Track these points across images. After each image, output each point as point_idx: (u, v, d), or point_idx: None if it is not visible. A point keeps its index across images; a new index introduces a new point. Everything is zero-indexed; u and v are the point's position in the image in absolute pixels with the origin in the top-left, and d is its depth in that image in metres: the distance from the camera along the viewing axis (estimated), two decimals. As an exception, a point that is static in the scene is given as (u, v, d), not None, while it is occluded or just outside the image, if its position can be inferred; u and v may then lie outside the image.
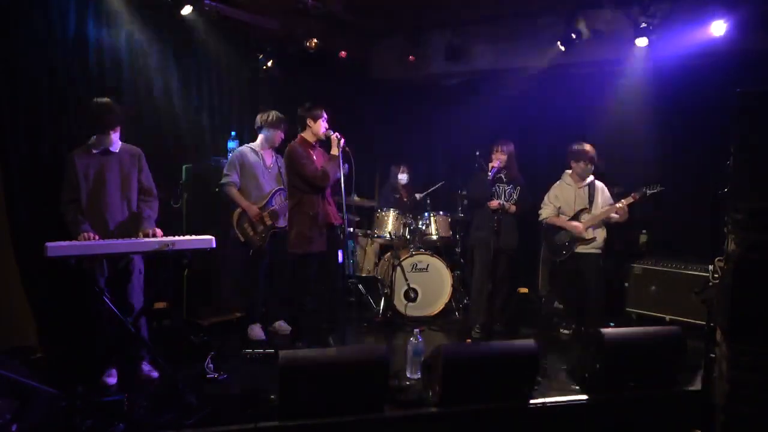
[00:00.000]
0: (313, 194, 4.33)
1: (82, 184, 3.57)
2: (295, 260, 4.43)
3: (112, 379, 3.63)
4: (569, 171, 4.97)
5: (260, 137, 4.79)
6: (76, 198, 3.57)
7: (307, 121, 4.41)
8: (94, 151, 3.62)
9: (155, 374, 3.74)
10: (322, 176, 4.27)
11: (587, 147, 4.85)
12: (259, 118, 4.78)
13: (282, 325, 4.93)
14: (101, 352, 3.68)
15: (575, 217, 4.86)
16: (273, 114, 4.76)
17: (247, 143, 4.88)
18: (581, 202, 4.88)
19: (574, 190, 4.92)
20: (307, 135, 4.44)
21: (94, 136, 3.62)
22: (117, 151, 3.68)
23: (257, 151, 4.76)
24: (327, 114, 4.46)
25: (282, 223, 4.70)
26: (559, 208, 4.94)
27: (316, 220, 4.33)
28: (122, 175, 3.68)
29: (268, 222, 4.62)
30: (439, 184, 5.97)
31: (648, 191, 4.63)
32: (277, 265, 4.87)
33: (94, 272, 3.52)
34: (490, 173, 4.85)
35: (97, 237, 3.43)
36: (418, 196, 6.00)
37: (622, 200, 4.71)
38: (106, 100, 3.63)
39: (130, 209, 3.71)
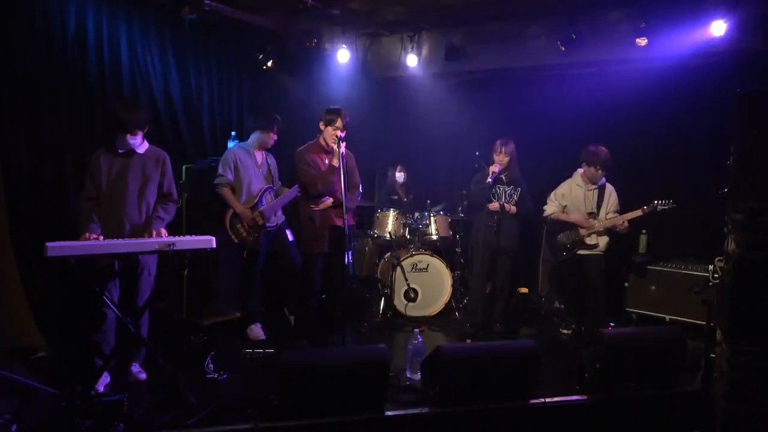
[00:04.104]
0: (311, 197, 4.34)
1: (104, 183, 3.55)
2: (303, 259, 4.48)
3: (100, 388, 3.50)
4: (581, 171, 4.84)
5: (252, 137, 4.79)
6: (95, 196, 3.56)
7: (320, 125, 4.41)
8: (120, 151, 3.59)
9: (143, 376, 3.71)
10: (311, 184, 4.30)
11: (601, 150, 4.67)
12: (252, 120, 4.79)
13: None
14: (97, 357, 3.57)
15: None
16: (265, 117, 4.74)
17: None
18: (589, 205, 4.78)
19: (583, 192, 4.82)
20: (320, 139, 4.44)
21: (116, 137, 3.56)
22: (142, 152, 3.66)
23: (249, 150, 4.76)
24: (348, 120, 4.37)
25: (273, 221, 4.71)
26: (565, 206, 4.87)
27: (314, 223, 4.36)
28: (143, 177, 3.65)
29: (260, 222, 4.62)
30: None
31: (659, 206, 4.51)
32: (268, 265, 4.87)
33: (104, 273, 3.49)
34: (490, 178, 4.83)
35: (101, 239, 3.42)
36: (417, 214, 6.00)
37: (631, 213, 4.62)
38: (132, 101, 3.62)
39: (147, 211, 3.68)
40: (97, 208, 3.55)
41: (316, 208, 4.38)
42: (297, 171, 4.42)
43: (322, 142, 4.42)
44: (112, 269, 3.54)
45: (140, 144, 3.63)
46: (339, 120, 4.32)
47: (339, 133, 4.32)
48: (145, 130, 3.63)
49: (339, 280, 4.50)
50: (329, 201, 4.41)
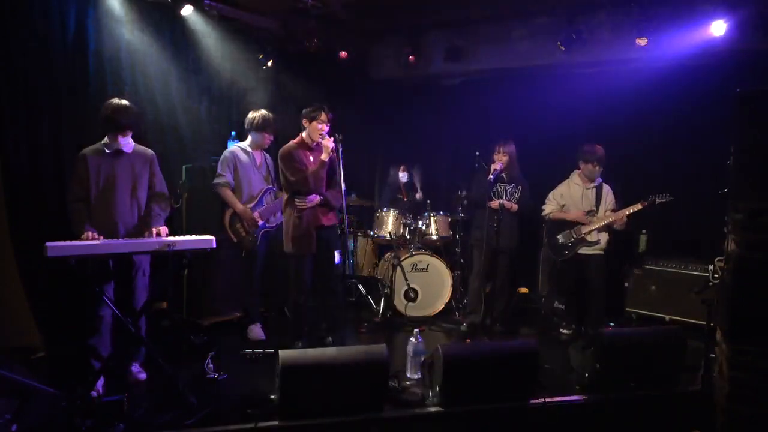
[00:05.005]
0: (298, 196, 4.34)
1: (93, 183, 3.55)
2: (290, 260, 4.44)
3: (94, 393, 3.46)
4: (578, 171, 4.93)
5: (249, 138, 4.78)
6: (85, 197, 3.56)
7: (303, 122, 4.40)
8: (107, 152, 3.60)
9: (143, 376, 3.72)
10: (302, 181, 4.27)
11: (596, 147, 4.79)
12: (247, 120, 4.75)
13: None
14: (94, 360, 3.56)
15: None
16: (259, 117, 4.70)
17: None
18: (588, 203, 4.85)
19: (581, 190, 4.89)
20: (305, 136, 4.43)
21: (107, 137, 3.58)
22: (130, 152, 3.67)
23: (248, 150, 4.75)
24: (331, 115, 4.39)
25: (273, 222, 4.71)
26: (564, 206, 4.92)
27: (301, 222, 4.33)
28: (133, 176, 3.67)
29: (260, 222, 4.62)
30: None
31: (657, 200, 4.54)
32: (267, 265, 4.86)
33: (100, 273, 3.49)
34: (491, 176, 4.84)
35: (101, 238, 3.41)
36: (418, 196, 5.99)
37: (631, 207, 4.65)
38: (124, 102, 3.62)
39: (139, 211, 3.69)
40: (87, 209, 3.55)
41: (304, 207, 4.36)
42: (287, 169, 4.33)
43: (307, 139, 4.41)
44: (108, 270, 3.54)
45: (128, 144, 3.64)
46: (322, 114, 4.32)
47: (324, 127, 4.32)
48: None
49: (334, 279, 4.50)
50: (317, 199, 4.38)
